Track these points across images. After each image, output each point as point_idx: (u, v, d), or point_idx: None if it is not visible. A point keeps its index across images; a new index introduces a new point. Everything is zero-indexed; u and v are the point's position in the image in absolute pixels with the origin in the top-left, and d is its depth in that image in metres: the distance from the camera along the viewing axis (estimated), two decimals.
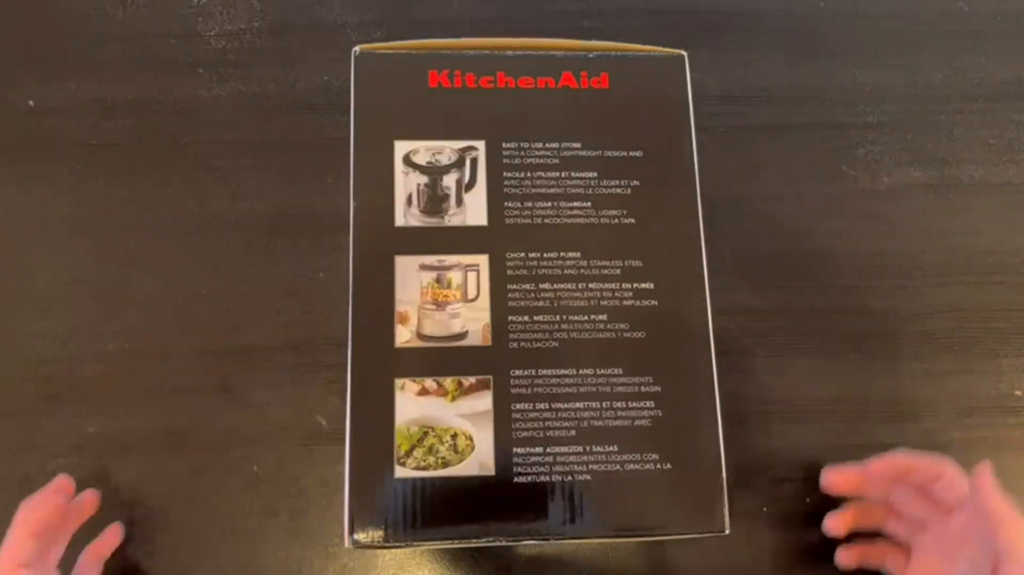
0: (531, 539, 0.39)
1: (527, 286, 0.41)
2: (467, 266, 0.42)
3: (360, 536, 0.38)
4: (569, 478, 0.39)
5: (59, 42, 0.53)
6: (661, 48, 0.46)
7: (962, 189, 0.53)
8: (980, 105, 0.55)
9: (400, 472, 0.39)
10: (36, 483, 0.46)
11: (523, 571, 0.46)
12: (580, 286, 0.42)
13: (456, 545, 0.39)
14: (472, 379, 0.40)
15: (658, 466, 0.39)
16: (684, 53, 0.45)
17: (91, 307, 0.49)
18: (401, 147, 0.43)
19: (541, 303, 0.41)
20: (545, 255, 0.42)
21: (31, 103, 0.52)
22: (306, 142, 0.52)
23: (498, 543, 0.40)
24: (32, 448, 0.47)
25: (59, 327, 0.49)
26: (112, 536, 0.45)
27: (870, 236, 0.52)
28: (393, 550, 0.46)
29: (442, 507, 0.38)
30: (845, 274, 0.51)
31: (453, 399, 0.40)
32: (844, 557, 0.45)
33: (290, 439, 0.48)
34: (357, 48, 0.44)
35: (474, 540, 0.39)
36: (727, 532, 0.39)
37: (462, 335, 0.41)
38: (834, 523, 0.45)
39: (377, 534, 0.38)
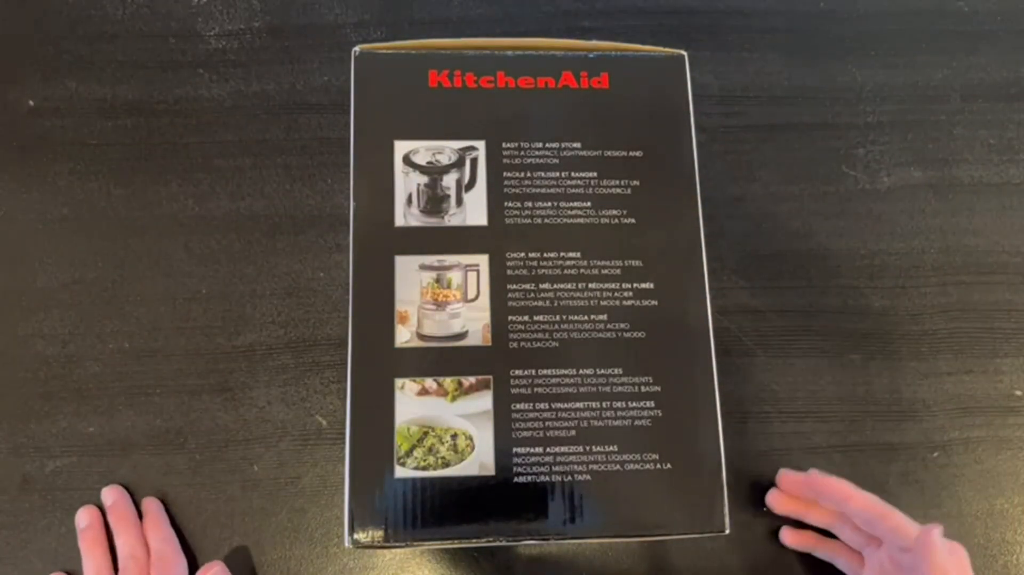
0: (531, 539, 0.39)
1: (527, 286, 0.41)
2: (467, 266, 0.42)
3: (360, 536, 0.38)
4: (569, 478, 0.39)
5: (59, 42, 0.53)
6: (661, 48, 0.46)
7: (962, 189, 0.53)
8: (980, 105, 0.55)
9: (400, 472, 0.39)
10: (36, 483, 0.46)
11: (523, 571, 0.46)
12: (580, 286, 0.42)
13: (456, 545, 0.39)
14: (472, 379, 0.40)
15: (658, 466, 0.39)
16: (684, 53, 0.45)
17: (91, 307, 0.49)
18: (401, 147, 0.43)
19: (541, 303, 0.41)
20: (545, 255, 0.42)
21: (31, 103, 0.52)
22: (306, 142, 0.52)
23: (498, 543, 0.40)
24: (32, 448, 0.47)
25: (59, 327, 0.49)
26: (152, 506, 0.46)
27: (870, 236, 0.52)
28: (393, 550, 0.46)
29: (442, 507, 0.38)
30: (845, 274, 0.51)
31: (453, 399, 0.40)
32: (789, 536, 0.46)
33: (290, 439, 0.48)
34: (357, 48, 0.44)
35: (474, 540, 0.39)
36: (727, 532, 0.39)
37: (462, 335, 0.41)
38: (773, 498, 0.46)
39: (377, 534, 0.38)
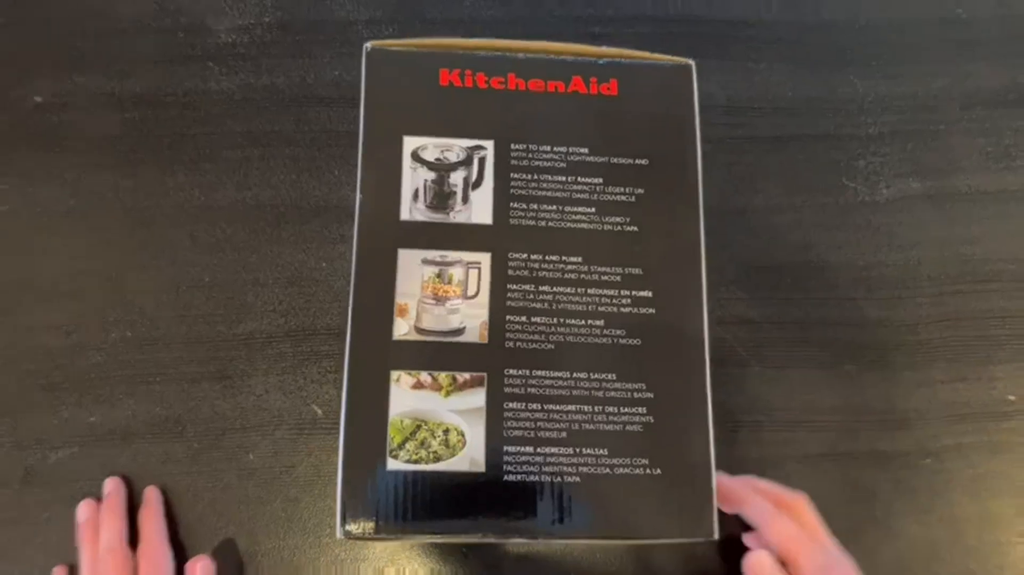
0: (520, 537, 0.39)
1: (527, 287, 0.42)
2: (469, 263, 0.42)
3: (351, 527, 0.38)
4: (559, 479, 0.39)
5: (67, 36, 0.53)
6: (669, 57, 0.46)
7: (960, 198, 0.54)
8: (978, 112, 0.55)
9: (392, 465, 0.39)
10: (38, 475, 0.46)
11: (511, 568, 0.47)
12: (579, 290, 0.42)
13: (445, 539, 0.39)
14: (466, 375, 0.40)
15: (648, 471, 0.40)
16: (692, 63, 0.46)
17: (95, 297, 0.49)
18: (410, 143, 0.43)
19: (539, 305, 0.41)
20: (547, 258, 0.42)
21: (38, 99, 0.52)
22: (314, 134, 0.52)
23: (487, 540, 0.40)
24: (34, 439, 0.47)
25: (63, 318, 0.49)
26: (150, 496, 0.46)
27: (869, 247, 0.52)
28: (384, 542, 0.47)
29: (432, 501, 0.38)
30: (842, 285, 0.52)
31: (447, 394, 0.40)
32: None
33: (286, 427, 0.48)
34: (369, 44, 0.44)
35: (463, 535, 0.39)
36: (715, 538, 0.39)
37: (459, 331, 0.41)
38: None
39: (368, 526, 0.38)
